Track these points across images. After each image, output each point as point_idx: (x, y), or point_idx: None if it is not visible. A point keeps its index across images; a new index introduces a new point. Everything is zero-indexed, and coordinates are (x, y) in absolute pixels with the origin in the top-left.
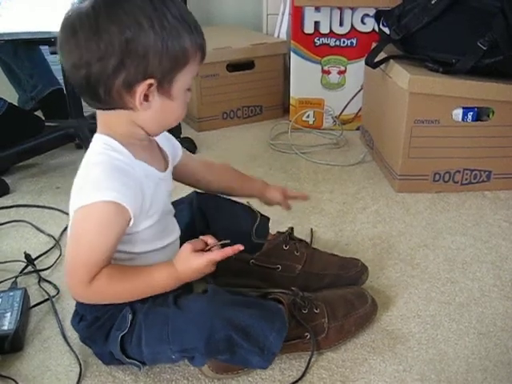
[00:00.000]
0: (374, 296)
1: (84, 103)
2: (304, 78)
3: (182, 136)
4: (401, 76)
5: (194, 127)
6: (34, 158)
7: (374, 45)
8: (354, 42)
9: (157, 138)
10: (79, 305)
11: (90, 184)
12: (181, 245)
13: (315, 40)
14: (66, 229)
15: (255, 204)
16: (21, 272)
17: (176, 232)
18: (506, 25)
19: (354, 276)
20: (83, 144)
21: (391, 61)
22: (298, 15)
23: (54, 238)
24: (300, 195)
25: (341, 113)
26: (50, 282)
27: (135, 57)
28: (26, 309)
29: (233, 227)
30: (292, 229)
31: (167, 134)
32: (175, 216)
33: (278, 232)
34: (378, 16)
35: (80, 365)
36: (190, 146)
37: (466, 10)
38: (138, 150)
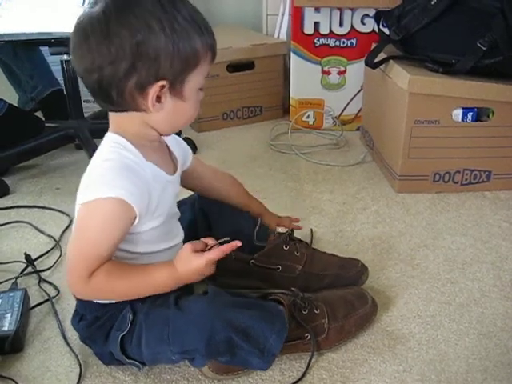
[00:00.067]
0: (374, 296)
1: (84, 104)
2: (304, 78)
3: (182, 136)
4: (401, 76)
5: (194, 128)
6: (34, 158)
7: (373, 45)
8: (354, 42)
9: (167, 142)
10: (79, 304)
11: (98, 180)
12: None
13: (315, 40)
14: (66, 229)
15: None
16: (21, 273)
17: (180, 236)
18: (506, 25)
19: (354, 276)
20: (83, 145)
21: (391, 61)
22: (297, 16)
23: (54, 239)
24: (295, 227)
25: (341, 113)
26: (50, 283)
27: (146, 59)
28: (26, 309)
29: (234, 230)
30: (292, 229)
31: (178, 138)
32: None
33: (278, 232)
34: (378, 16)
35: (80, 365)
36: (190, 146)
37: (465, 10)
38: (149, 151)
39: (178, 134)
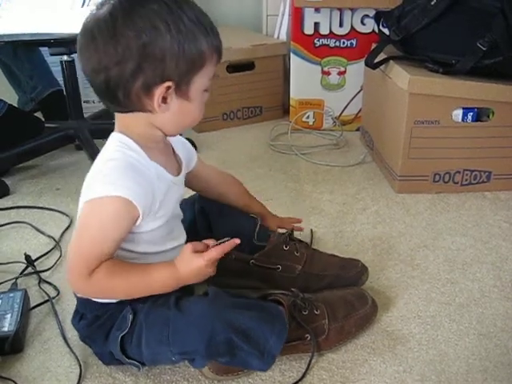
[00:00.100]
0: (374, 297)
1: (83, 104)
2: (304, 78)
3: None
4: (401, 77)
5: (194, 128)
6: (33, 159)
7: (373, 46)
8: (354, 42)
9: (172, 143)
10: (80, 303)
11: (103, 178)
12: None
13: (315, 41)
14: (66, 230)
15: None
16: (21, 273)
17: (182, 238)
18: (506, 25)
19: (354, 276)
20: (83, 145)
21: (391, 61)
22: (297, 16)
23: (54, 240)
24: (297, 228)
25: (341, 113)
26: (50, 283)
27: (153, 60)
28: (26, 310)
29: (235, 231)
30: (292, 229)
31: (183, 139)
32: None
33: (279, 233)
34: (378, 17)
35: (80, 366)
36: None
37: (465, 10)
38: (154, 152)
39: (179, 135)
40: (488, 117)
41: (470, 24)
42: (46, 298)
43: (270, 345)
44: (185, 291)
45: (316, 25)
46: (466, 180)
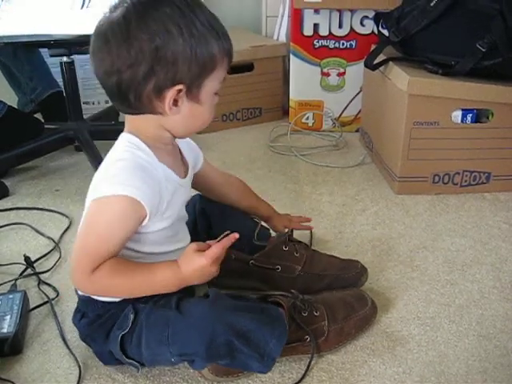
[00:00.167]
0: (373, 298)
1: (83, 106)
2: (303, 80)
3: None
4: (400, 78)
5: None
6: (33, 160)
7: (373, 47)
8: (354, 44)
9: (180, 145)
10: (81, 302)
11: (111, 177)
12: None
13: (314, 42)
14: (65, 231)
15: None
16: (20, 274)
17: (186, 239)
18: (505, 27)
19: (353, 277)
20: (82, 147)
21: (390, 63)
22: (297, 17)
23: (54, 241)
24: (305, 228)
25: (340, 115)
26: (49, 285)
27: (165, 63)
28: (25, 311)
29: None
30: (292, 230)
31: (191, 141)
32: None
33: (278, 233)
34: (377, 18)
35: (79, 367)
36: None
37: (464, 12)
38: (163, 153)
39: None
40: (487, 118)
41: (470, 25)
42: (46, 299)
43: (270, 347)
44: (186, 292)
45: (315, 26)
46: (466, 181)
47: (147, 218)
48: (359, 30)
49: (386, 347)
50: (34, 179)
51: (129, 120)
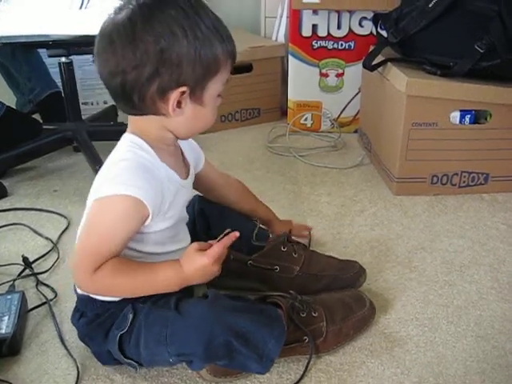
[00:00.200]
0: (371, 299)
1: (82, 106)
2: (302, 80)
3: None
4: (398, 79)
5: None
6: (31, 161)
7: (371, 48)
8: (352, 44)
9: (182, 145)
10: (80, 301)
11: (114, 177)
12: None
13: (313, 43)
14: (63, 232)
15: None
16: (18, 275)
17: (187, 240)
18: (504, 28)
19: (351, 278)
20: (81, 147)
21: (389, 63)
22: (295, 18)
23: (52, 241)
24: (303, 236)
25: (339, 115)
26: (47, 286)
27: (169, 65)
28: (23, 312)
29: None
30: (290, 231)
31: (193, 142)
32: None
33: (277, 234)
34: (376, 19)
35: (77, 368)
36: None
37: (463, 13)
38: (165, 154)
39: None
40: (486, 119)
41: (468, 26)
42: (44, 300)
43: (268, 348)
44: (185, 293)
45: (314, 27)
46: (464, 182)
47: (150, 218)
48: (358, 30)
49: (384, 348)
50: (33, 180)
51: (132, 121)
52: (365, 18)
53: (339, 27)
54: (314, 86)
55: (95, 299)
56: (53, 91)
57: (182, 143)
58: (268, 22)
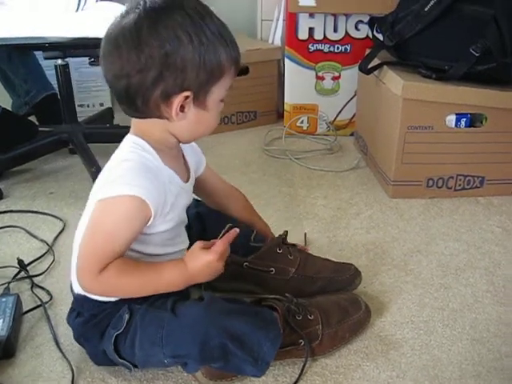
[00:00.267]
0: (367, 302)
1: (78, 108)
2: (298, 83)
3: None
4: (394, 82)
5: None
6: (27, 163)
7: (367, 51)
8: (348, 48)
9: (184, 149)
10: (77, 301)
11: (117, 178)
12: None
13: (309, 46)
14: (59, 234)
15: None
16: (13, 278)
17: (185, 243)
18: (499, 32)
19: (347, 280)
20: (77, 149)
21: (385, 67)
22: (292, 21)
23: (48, 244)
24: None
25: (335, 118)
26: (42, 288)
27: (174, 70)
28: (18, 315)
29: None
30: (286, 232)
31: (195, 146)
32: None
33: (272, 237)
34: (372, 22)
35: (72, 371)
36: None
37: (458, 17)
38: (167, 156)
39: None
40: (481, 122)
41: (463, 30)
42: (39, 302)
43: (264, 351)
44: (181, 295)
45: (310, 30)
46: (460, 185)
47: (152, 218)
48: (354, 34)
49: (379, 351)
50: (28, 182)
51: (135, 123)
52: (361, 21)
53: (335, 30)
54: (311, 89)
55: (92, 299)
56: (49, 93)
57: (184, 146)
58: (264, 24)
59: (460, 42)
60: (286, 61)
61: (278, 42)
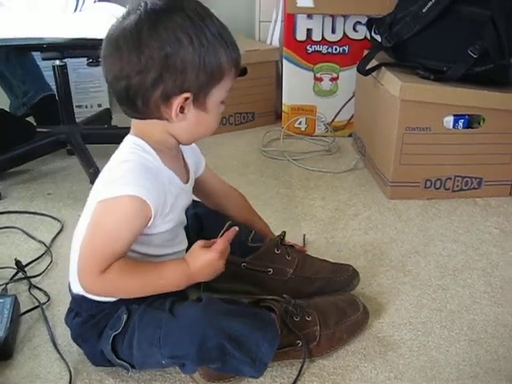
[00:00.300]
0: (365, 303)
1: (76, 109)
2: (296, 84)
3: None
4: (392, 83)
5: None
6: (25, 164)
7: (365, 52)
8: (346, 49)
9: (183, 150)
10: (75, 302)
11: (118, 179)
12: None
13: (307, 47)
14: (57, 235)
15: None
16: (11, 279)
17: (184, 244)
18: (497, 34)
19: (344, 281)
20: (75, 150)
21: (383, 68)
22: (290, 22)
23: (45, 245)
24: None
25: (333, 119)
26: (40, 289)
27: (174, 71)
28: (15, 316)
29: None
30: (284, 233)
31: (195, 147)
32: None
33: (270, 237)
34: (370, 24)
35: (70, 372)
36: None
37: (456, 18)
38: (167, 157)
39: None
40: (479, 124)
41: (461, 32)
42: (37, 303)
43: (261, 352)
44: (179, 296)
45: (308, 31)
46: (457, 186)
47: (152, 218)
48: (352, 35)
49: (377, 352)
50: (26, 183)
51: (135, 124)
52: (359, 22)
53: (333, 31)
54: (309, 90)
55: (90, 299)
56: (47, 94)
57: (183, 147)
58: (262, 26)
59: (458, 43)
60: (284, 62)
61: (276, 43)
